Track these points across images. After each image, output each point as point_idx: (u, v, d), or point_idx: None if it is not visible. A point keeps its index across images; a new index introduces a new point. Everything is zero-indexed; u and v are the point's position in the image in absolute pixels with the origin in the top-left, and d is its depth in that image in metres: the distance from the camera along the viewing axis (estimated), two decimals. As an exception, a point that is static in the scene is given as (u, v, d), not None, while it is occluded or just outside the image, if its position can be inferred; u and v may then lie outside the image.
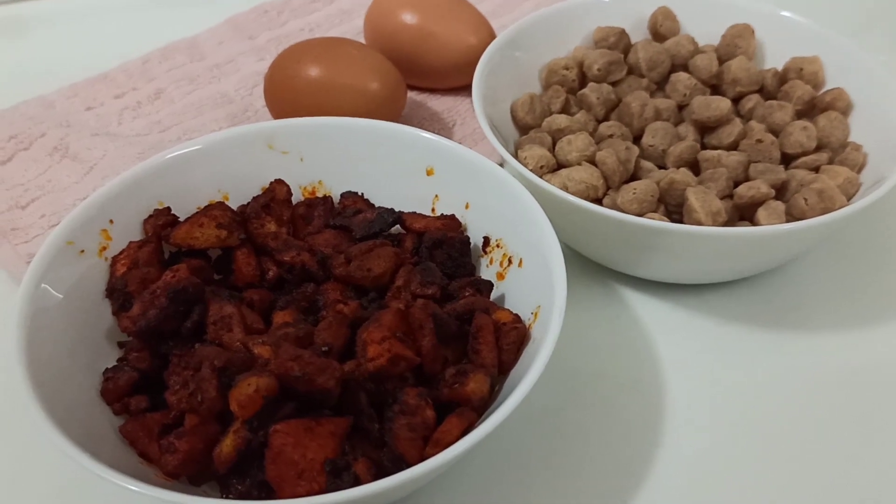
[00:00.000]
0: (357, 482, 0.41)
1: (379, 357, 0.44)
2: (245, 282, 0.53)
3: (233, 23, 0.82)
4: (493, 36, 0.72)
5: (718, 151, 0.58)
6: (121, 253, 0.52)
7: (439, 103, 0.73)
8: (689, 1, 0.69)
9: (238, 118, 0.72)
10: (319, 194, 0.58)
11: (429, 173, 0.56)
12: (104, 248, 0.51)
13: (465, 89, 0.74)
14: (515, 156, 0.59)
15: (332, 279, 0.52)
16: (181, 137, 0.70)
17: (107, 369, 0.48)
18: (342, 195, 0.58)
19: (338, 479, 0.41)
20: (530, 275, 0.49)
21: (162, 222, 0.53)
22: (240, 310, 0.48)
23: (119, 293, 0.50)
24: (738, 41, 0.66)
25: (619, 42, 0.67)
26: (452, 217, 0.54)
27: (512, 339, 0.46)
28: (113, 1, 0.89)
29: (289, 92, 0.66)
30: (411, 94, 0.73)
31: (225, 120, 0.72)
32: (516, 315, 0.48)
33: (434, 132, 0.68)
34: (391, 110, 0.67)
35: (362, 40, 0.77)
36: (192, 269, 0.50)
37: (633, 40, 0.68)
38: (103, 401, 0.47)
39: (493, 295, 0.51)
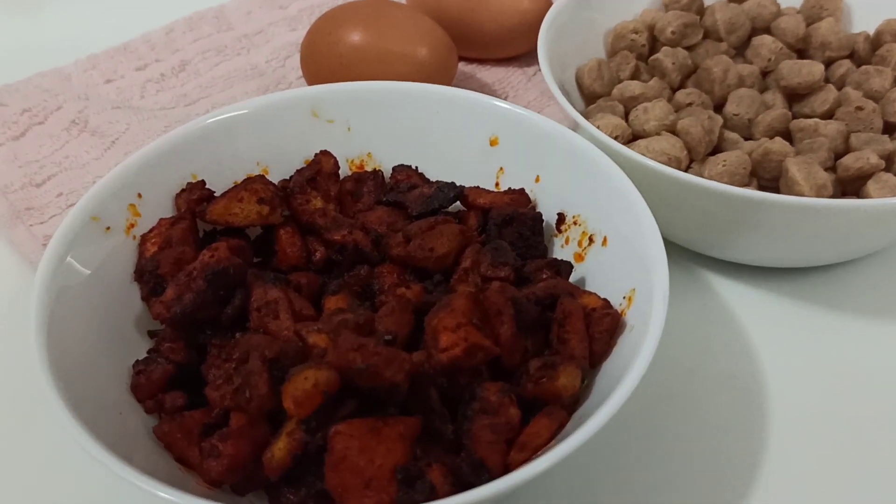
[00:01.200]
0: (433, 493, 0.35)
1: (453, 347, 0.38)
2: (289, 264, 0.47)
3: (262, -9, 0.76)
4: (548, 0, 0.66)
5: (814, 120, 0.52)
6: (151, 231, 0.46)
7: (489, 75, 0.67)
8: (766, -40, 0.63)
9: (271, 91, 0.66)
10: (368, 168, 0.52)
11: (493, 143, 0.50)
12: (132, 226, 0.45)
13: (516, 60, 0.68)
14: (586, 126, 0.53)
15: (387, 261, 0.46)
16: (209, 111, 0.64)
17: (137, 361, 0.42)
18: (394, 169, 0.52)
19: (411, 488, 0.35)
20: (618, 255, 0.43)
21: (196, 197, 0.47)
22: (287, 294, 0.43)
23: (150, 275, 0.44)
24: (823, 2, 0.60)
25: (691, 3, 0.61)
26: (521, 192, 0.48)
27: (605, 326, 0.40)
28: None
29: (329, 59, 0.60)
30: (460, 65, 0.67)
31: (256, 93, 0.66)
32: (605, 300, 0.41)
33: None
34: (441, 80, 0.61)
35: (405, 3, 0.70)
36: (232, 249, 0.44)
37: (707, 2, 0.62)
38: (134, 397, 0.41)
39: (572, 278, 0.45)
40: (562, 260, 0.45)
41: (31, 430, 0.45)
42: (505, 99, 0.65)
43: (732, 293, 0.51)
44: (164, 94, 0.66)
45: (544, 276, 0.44)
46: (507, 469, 0.37)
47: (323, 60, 0.60)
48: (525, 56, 0.68)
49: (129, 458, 0.35)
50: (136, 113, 0.62)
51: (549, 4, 0.66)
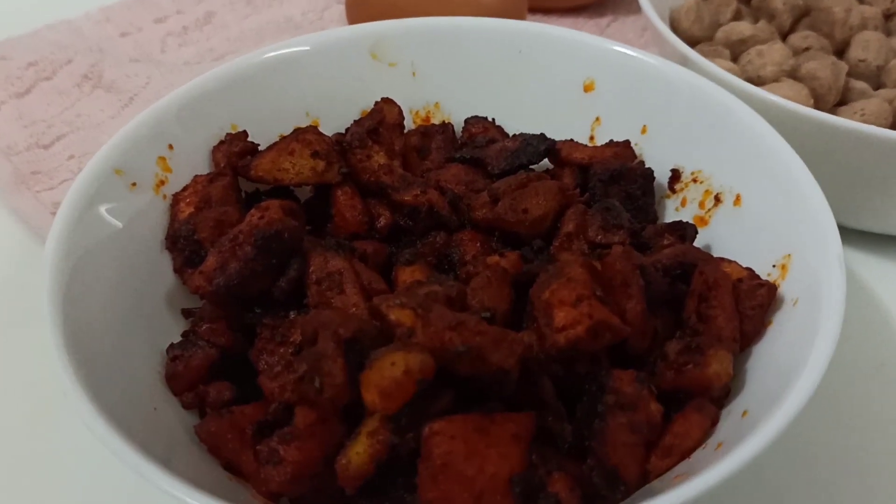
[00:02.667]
0: (560, 511, 0.27)
1: (574, 325, 0.30)
2: (348, 231, 0.39)
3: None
4: (622, -57, 0.58)
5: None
6: (185, 189, 0.38)
7: (558, 25, 0.59)
8: None
9: (309, 45, 0.58)
10: (436, 120, 0.44)
11: (587, 89, 0.42)
12: (162, 183, 0.38)
13: (585, 10, 0.60)
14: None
15: (468, 226, 0.38)
16: (241, 65, 0.56)
17: (172, 345, 0.34)
18: (467, 121, 0.44)
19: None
20: (758, 215, 0.35)
21: (238, 150, 0.39)
22: (352, 264, 0.35)
23: (185, 241, 0.36)
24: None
25: (797, -60, 0.53)
26: (626, 144, 0.40)
27: (758, 300, 0.32)
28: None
29: (380, 4, 0.52)
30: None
31: (293, 47, 0.58)
32: (749, 269, 0.34)
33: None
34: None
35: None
36: (285, 209, 0.37)
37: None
38: (169, 389, 0.33)
39: (699, 244, 0.37)
40: (687, 222, 0.37)
41: (42, 431, 0.38)
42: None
43: (872, 269, 0.43)
44: (188, 49, 0.58)
45: (666, 242, 0.36)
46: (645, 479, 0.29)
47: (373, 5, 0.52)
48: (596, 6, 0.60)
49: (167, 464, 0.27)
50: (157, 66, 0.54)
51: (627, -55, 0.58)
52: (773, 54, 0.45)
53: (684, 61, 0.42)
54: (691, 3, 0.49)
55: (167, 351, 0.34)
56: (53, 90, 0.53)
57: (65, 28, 0.59)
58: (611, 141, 0.41)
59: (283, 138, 0.39)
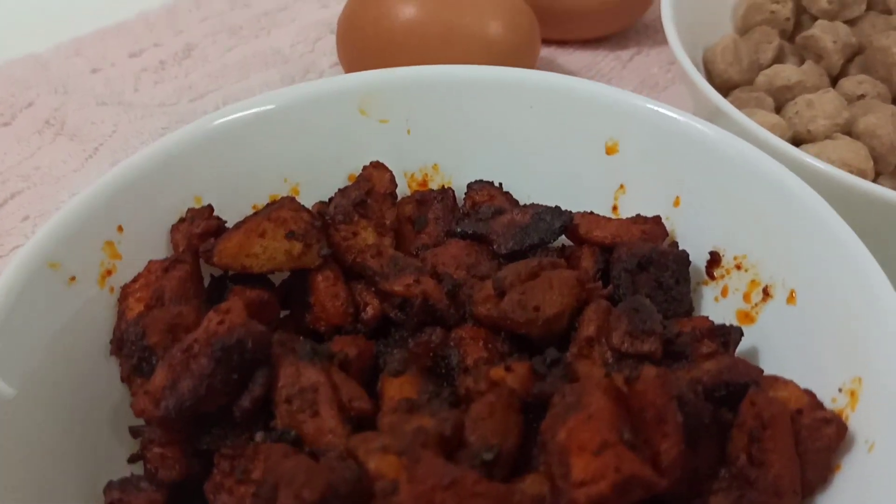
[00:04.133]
0: None
1: (597, 480, 0.24)
2: (329, 324, 0.33)
3: (286, -41, 0.62)
4: (647, -34, 0.52)
5: None
6: (136, 280, 0.32)
7: (574, 60, 0.53)
8: None
9: (297, 82, 0.52)
10: (434, 184, 0.39)
11: (609, 151, 0.36)
12: (109, 273, 0.32)
13: (606, 42, 0.54)
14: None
15: (469, 320, 0.33)
16: (220, 108, 0.50)
17: (110, 485, 0.28)
18: (469, 187, 0.38)
19: None
20: (818, 320, 0.29)
21: (200, 230, 0.33)
22: (330, 377, 0.29)
23: (133, 347, 0.30)
24: None
25: (846, -35, 0.47)
26: (656, 220, 0.34)
27: (824, 441, 0.26)
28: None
29: (374, 39, 0.46)
30: (536, 48, 0.53)
31: (279, 85, 0.52)
32: (811, 394, 0.28)
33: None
34: (521, 63, 0.47)
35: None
36: (251, 307, 0.31)
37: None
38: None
39: (739, 350, 0.31)
40: (731, 326, 0.31)
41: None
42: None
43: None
44: (164, 87, 0.52)
45: (705, 350, 0.30)
46: None
47: (366, 41, 0.47)
48: (617, 37, 0.54)
49: None
50: (126, 110, 0.49)
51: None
52: (825, 105, 0.39)
53: (717, 114, 0.36)
54: (727, 41, 0.43)
55: (104, 491, 0.28)
56: (11, 137, 0.48)
57: (31, 63, 0.54)
58: (638, 216, 0.35)
59: (252, 216, 0.33)
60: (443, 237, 0.37)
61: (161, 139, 0.34)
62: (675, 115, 0.34)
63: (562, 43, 0.54)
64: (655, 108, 0.35)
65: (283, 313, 0.35)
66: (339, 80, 0.37)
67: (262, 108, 0.36)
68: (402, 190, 0.38)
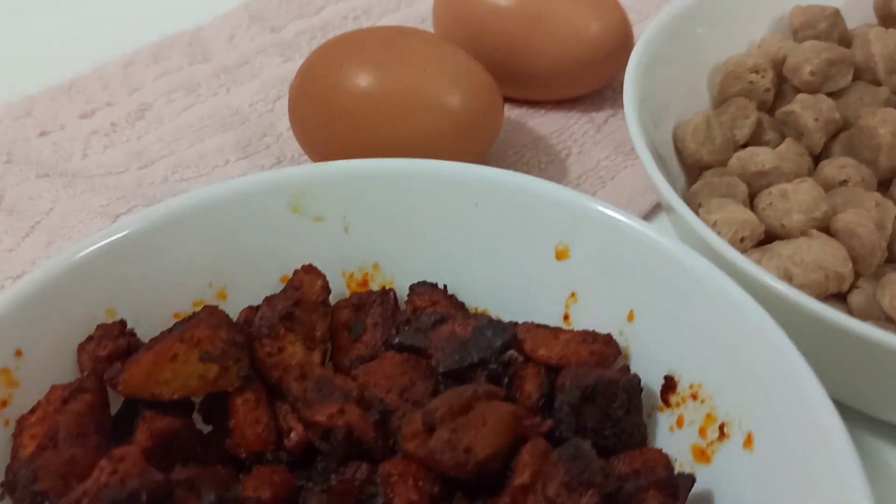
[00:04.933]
0: None
1: None
2: (249, 451, 0.31)
3: (249, 8, 0.60)
4: (623, 20, 0.49)
5: None
6: (33, 411, 0.30)
7: (545, 122, 0.50)
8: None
9: (253, 146, 0.50)
10: (375, 285, 0.36)
11: (559, 256, 0.33)
12: (4, 403, 0.30)
13: (579, 102, 0.51)
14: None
15: (399, 452, 0.30)
16: (169, 178, 0.48)
17: None
18: (412, 289, 0.35)
19: None
20: (776, 468, 0.26)
21: (107, 352, 0.31)
22: (236, 530, 0.26)
23: (24, 491, 0.28)
24: None
25: (832, 29, 0.43)
26: (607, 339, 0.31)
27: None
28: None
29: (325, 111, 0.43)
30: (505, 109, 0.50)
31: (234, 149, 0.50)
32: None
33: (540, 165, 0.46)
34: (481, 137, 0.44)
35: (431, 31, 0.54)
36: (160, 439, 0.29)
37: (850, 24, 0.45)
38: None
39: (694, 491, 0.28)
40: (681, 475, 0.28)
41: None
42: (567, 157, 0.48)
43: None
44: (114, 151, 0.50)
45: (648, 500, 0.27)
46: None
47: (317, 112, 0.44)
48: (592, 96, 0.51)
49: None
50: (68, 184, 0.46)
51: (627, 29, 0.49)
52: (801, 196, 0.35)
53: (671, 211, 0.33)
54: (699, 119, 0.40)
55: None
56: (-52, 210, 0.46)
57: (-23, 125, 0.51)
58: (588, 332, 0.32)
59: (164, 336, 0.31)
60: (380, 347, 0.34)
61: (70, 247, 0.32)
62: (628, 222, 0.31)
63: (533, 103, 0.51)
64: (608, 212, 0.32)
65: (206, 428, 0.32)
66: (269, 176, 0.35)
67: (183, 207, 0.33)
68: (341, 290, 0.36)
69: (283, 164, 0.49)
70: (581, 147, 0.49)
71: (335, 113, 0.43)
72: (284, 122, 0.51)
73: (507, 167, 0.47)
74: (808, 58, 0.41)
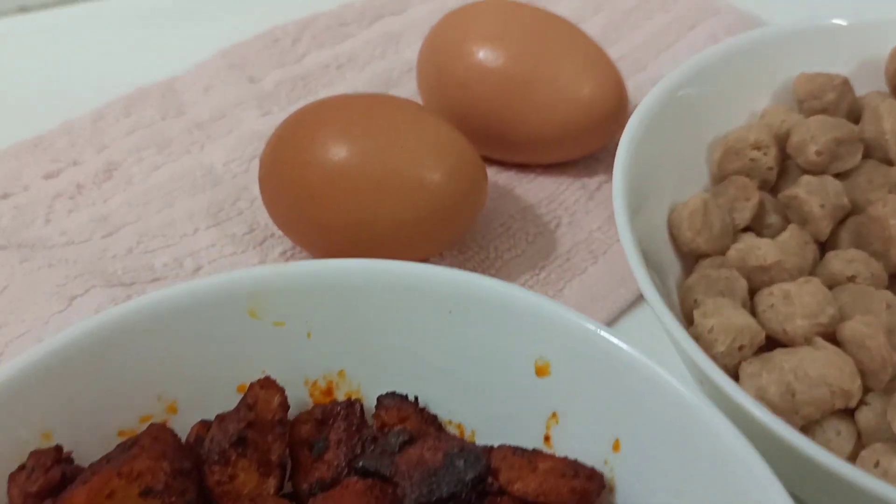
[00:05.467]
0: None
1: None
2: (196, 592, 0.28)
3: (227, 57, 0.57)
4: (618, 81, 0.46)
5: None
6: (-48, 556, 0.27)
7: (534, 189, 0.47)
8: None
9: (225, 211, 0.47)
10: (340, 393, 0.33)
11: (539, 372, 0.30)
12: (-79, 548, 0.27)
13: (571, 166, 0.48)
14: (689, 321, 0.33)
15: None
16: (133, 249, 0.45)
17: None
18: (380, 401, 0.32)
19: None
20: None
21: (37, 487, 0.28)
22: None
23: None
24: None
25: (840, 100, 0.40)
26: (589, 475, 0.28)
27: None
28: (49, 18, 0.63)
29: (295, 187, 0.41)
30: (491, 173, 0.47)
31: (204, 215, 0.47)
32: None
33: (528, 237, 0.43)
34: (463, 214, 0.41)
35: (414, 78, 0.51)
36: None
37: (857, 91, 0.42)
38: None
39: None
40: None
41: None
42: (556, 227, 0.45)
43: None
44: (78, 216, 0.47)
45: None
46: None
47: (289, 188, 0.41)
48: (586, 160, 0.48)
49: None
50: (24, 259, 0.43)
51: (621, 90, 0.46)
52: (805, 299, 0.32)
53: (660, 318, 0.30)
54: (697, 204, 0.37)
55: None
56: None
57: (-63, 187, 0.48)
58: (569, 464, 0.29)
59: (101, 467, 0.28)
60: (344, 468, 0.31)
61: (5, 366, 0.29)
62: (613, 340, 0.28)
63: (522, 167, 0.48)
64: (590, 327, 0.29)
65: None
66: (222, 279, 0.32)
67: (127, 314, 0.30)
68: (303, 399, 0.33)
69: (255, 232, 0.46)
70: (572, 216, 0.46)
71: (307, 191, 0.40)
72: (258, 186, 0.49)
73: (493, 240, 0.44)
74: (814, 136, 0.38)
